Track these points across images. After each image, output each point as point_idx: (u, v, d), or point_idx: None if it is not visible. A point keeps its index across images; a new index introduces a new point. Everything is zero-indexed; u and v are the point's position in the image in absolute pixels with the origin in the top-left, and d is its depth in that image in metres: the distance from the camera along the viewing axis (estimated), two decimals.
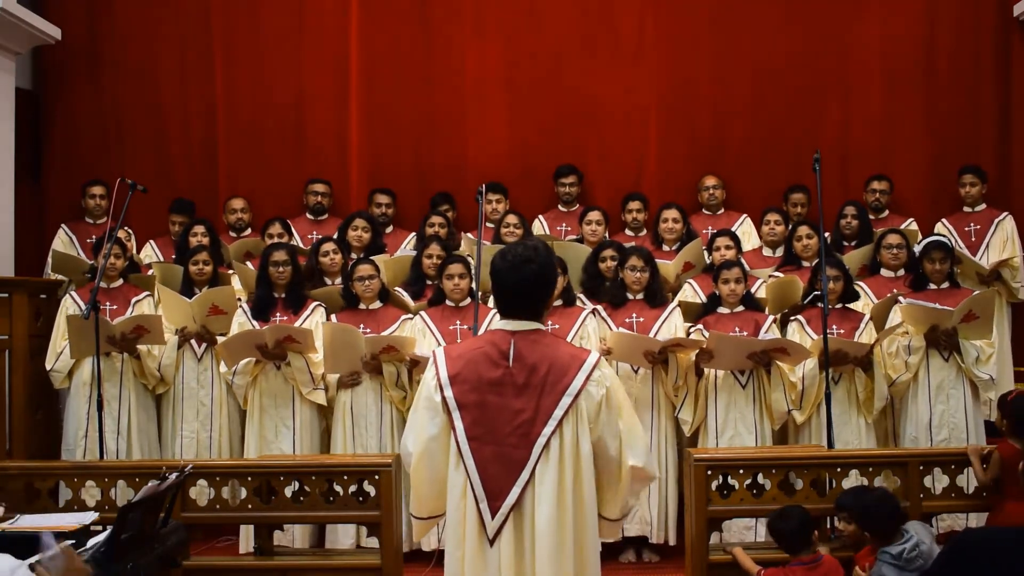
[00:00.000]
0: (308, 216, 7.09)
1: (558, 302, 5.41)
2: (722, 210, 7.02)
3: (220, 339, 5.52)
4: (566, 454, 2.71)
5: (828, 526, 4.46)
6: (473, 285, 5.40)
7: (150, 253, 6.85)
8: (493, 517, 2.71)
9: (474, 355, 2.80)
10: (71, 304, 5.72)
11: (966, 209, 6.80)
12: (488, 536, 2.72)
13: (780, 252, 6.41)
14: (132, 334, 5.42)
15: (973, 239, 6.68)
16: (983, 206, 6.77)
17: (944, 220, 6.80)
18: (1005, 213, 6.71)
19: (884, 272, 5.97)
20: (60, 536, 3.25)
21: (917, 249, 5.65)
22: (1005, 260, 6.45)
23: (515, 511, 2.71)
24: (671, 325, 5.39)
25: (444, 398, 2.77)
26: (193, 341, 5.67)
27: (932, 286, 5.52)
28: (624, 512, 2.92)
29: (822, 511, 4.28)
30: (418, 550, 5.34)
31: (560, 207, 7.13)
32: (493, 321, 5.40)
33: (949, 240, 5.87)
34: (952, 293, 5.49)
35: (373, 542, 4.60)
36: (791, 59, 7.25)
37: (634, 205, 6.74)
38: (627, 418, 2.83)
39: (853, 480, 4.46)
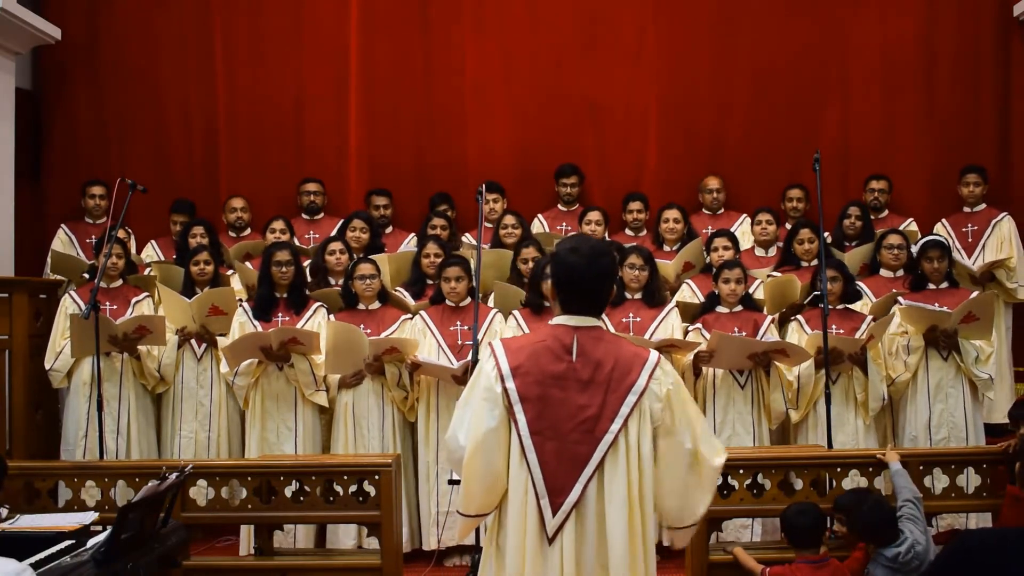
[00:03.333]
0: (303, 216, 7.09)
1: None
2: (722, 210, 7.02)
3: (220, 339, 5.52)
4: (632, 453, 2.66)
5: (828, 527, 4.46)
6: (474, 284, 5.39)
7: (151, 253, 6.85)
8: (555, 514, 2.64)
9: (536, 348, 2.73)
10: (71, 304, 5.72)
11: (965, 209, 6.80)
12: (548, 534, 2.64)
13: (772, 252, 6.42)
14: (135, 334, 5.42)
15: (970, 240, 6.68)
16: (982, 206, 6.77)
17: (944, 221, 6.80)
18: (1004, 214, 6.71)
19: (884, 272, 5.97)
20: (60, 536, 3.26)
21: (915, 249, 5.66)
22: (999, 261, 6.46)
23: (577, 509, 2.64)
24: (668, 325, 5.39)
25: (505, 389, 2.68)
26: (193, 341, 5.67)
27: (931, 286, 5.52)
28: (700, 514, 2.86)
29: (822, 511, 4.27)
30: (418, 550, 5.35)
31: (560, 207, 7.13)
32: (495, 320, 5.40)
33: (946, 239, 5.87)
34: (951, 293, 5.50)
35: (373, 542, 4.61)
36: (791, 59, 7.25)
37: (635, 205, 6.75)
38: (694, 414, 2.80)
39: (853, 480, 4.46)
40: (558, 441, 2.66)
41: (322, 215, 7.11)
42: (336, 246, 6.03)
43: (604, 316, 5.40)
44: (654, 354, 2.76)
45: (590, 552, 2.64)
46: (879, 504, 4.01)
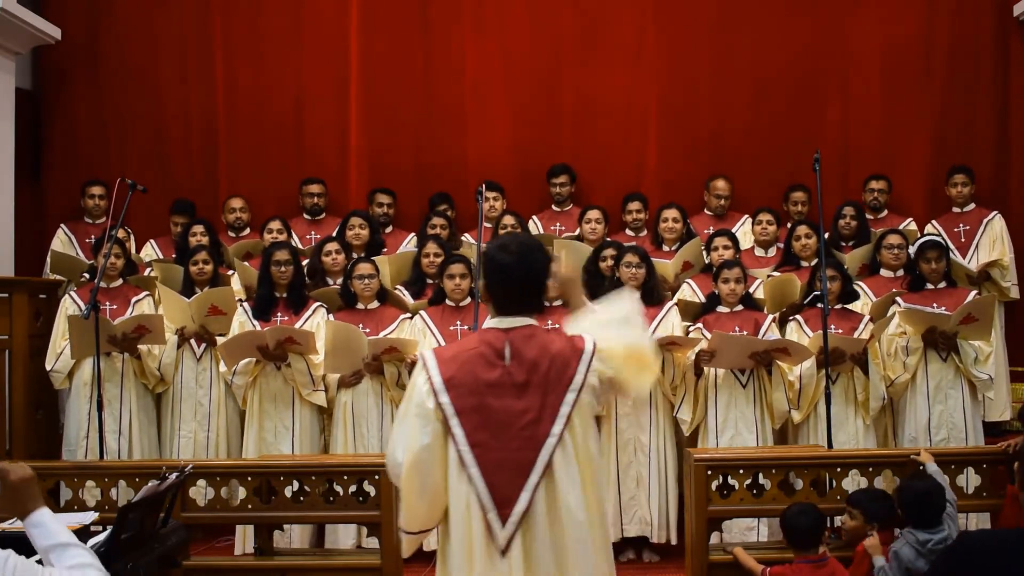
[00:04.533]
0: (305, 216, 7.09)
1: (558, 302, 5.40)
2: (725, 213, 7.01)
3: (219, 339, 5.52)
4: (579, 452, 2.59)
5: (828, 526, 4.46)
6: (473, 285, 5.40)
7: (150, 252, 6.84)
8: (504, 525, 2.56)
9: (468, 356, 2.65)
10: (70, 304, 5.72)
11: (955, 209, 6.81)
12: (499, 547, 2.56)
13: (772, 252, 6.43)
14: (134, 333, 5.42)
15: (963, 239, 6.69)
16: (972, 206, 6.78)
17: (934, 221, 6.81)
18: (994, 213, 6.72)
19: (884, 272, 5.97)
20: None
21: (912, 250, 5.65)
22: (994, 261, 6.47)
23: (526, 517, 2.56)
24: (668, 324, 5.39)
25: (439, 404, 2.60)
26: (192, 341, 5.67)
27: (929, 286, 5.52)
28: None
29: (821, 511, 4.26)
30: (418, 550, 5.32)
31: (553, 207, 7.13)
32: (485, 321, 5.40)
33: (943, 239, 5.87)
34: (950, 293, 5.50)
35: (373, 542, 4.61)
36: (791, 59, 7.25)
37: (634, 206, 6.73)
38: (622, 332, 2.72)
39: (853, 480, 4.46)
40: (500, 451, 2.58)
41: (324, 216, 7.11)
42: (332, 247, 6.03)
43: None
44: (590, 343, 2.66)
45: (544, 560, 2.56)
46: (938, 490, 3.96)
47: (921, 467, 4.24)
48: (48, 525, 2.35)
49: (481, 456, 2.58)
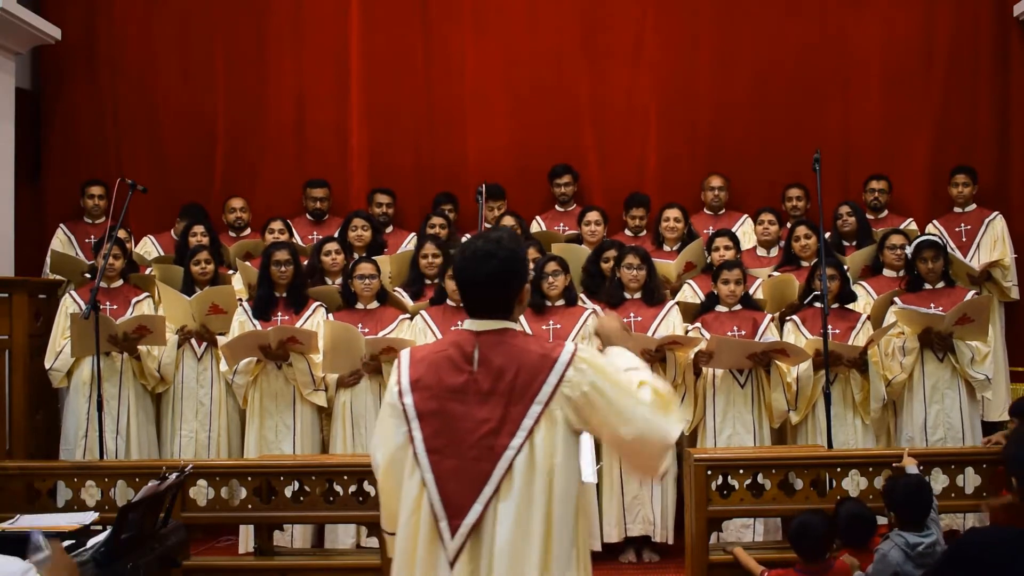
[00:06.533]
0: (308, 217, 7.08)
1: (560, 302, 5.42)
2: (724, 210, 7.01)
3: (220, 338, 5.52)
4: (537, 468, 2.42)
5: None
6: None
7: (150, 249, 6.82)
8: (453, 536, 2.43)
9: (436, 358, 2.53)
10: (71, 304, 5.72)
11: (956, 210, 6.81)
12: (448, 558, 2.43)
13: (775, 252, 6.43)
14: (135, 334, 5.42)
15: (964, 239, 6.69)
16: (973, 206, 6.77)
17: (935, 221, 6.81)
18: (995, 213, 6.72)
19: (887, 272, 5.98)
20: (59, 536, 3.26)
21: (909, 251, 5.65)
22: (995, 261, 6.47)
23: (475, 531, 2.42)
24: (669, 323, 5.40)
25: (403, 405, 2.52)
26: (193, 340, 5.67)
27: (927, 286, 5.52)
28: (664, 469, 2.55)
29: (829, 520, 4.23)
30: None
31: (557, 207, 7.13)
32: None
33: (940, 239, 5.87)
34: (948, 292, 5.50)
35: (373, 541, 4.60)
36: (791, 59, 7.25)
37: (637, 212, 6.69)
38: (630, 393, 2.46)
39: (853, 480, 4.45)
40: (457, 459, 2.45)
41: (327, 218, 7.10)
42: (331, 246, 6.03)
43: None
44: (567, 352, 2.46)
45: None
46: (922, 485, 3.94)
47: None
48: None
49: (437, 463, 2.47)
